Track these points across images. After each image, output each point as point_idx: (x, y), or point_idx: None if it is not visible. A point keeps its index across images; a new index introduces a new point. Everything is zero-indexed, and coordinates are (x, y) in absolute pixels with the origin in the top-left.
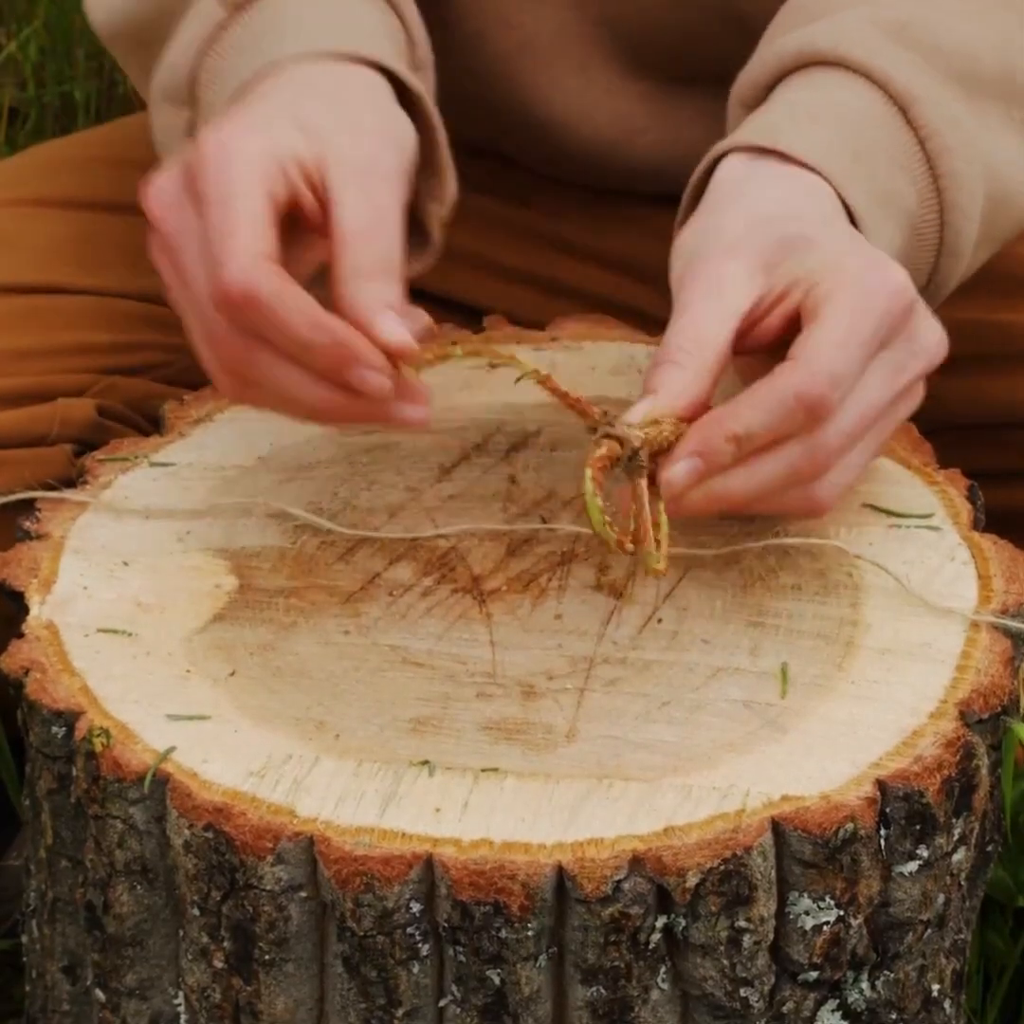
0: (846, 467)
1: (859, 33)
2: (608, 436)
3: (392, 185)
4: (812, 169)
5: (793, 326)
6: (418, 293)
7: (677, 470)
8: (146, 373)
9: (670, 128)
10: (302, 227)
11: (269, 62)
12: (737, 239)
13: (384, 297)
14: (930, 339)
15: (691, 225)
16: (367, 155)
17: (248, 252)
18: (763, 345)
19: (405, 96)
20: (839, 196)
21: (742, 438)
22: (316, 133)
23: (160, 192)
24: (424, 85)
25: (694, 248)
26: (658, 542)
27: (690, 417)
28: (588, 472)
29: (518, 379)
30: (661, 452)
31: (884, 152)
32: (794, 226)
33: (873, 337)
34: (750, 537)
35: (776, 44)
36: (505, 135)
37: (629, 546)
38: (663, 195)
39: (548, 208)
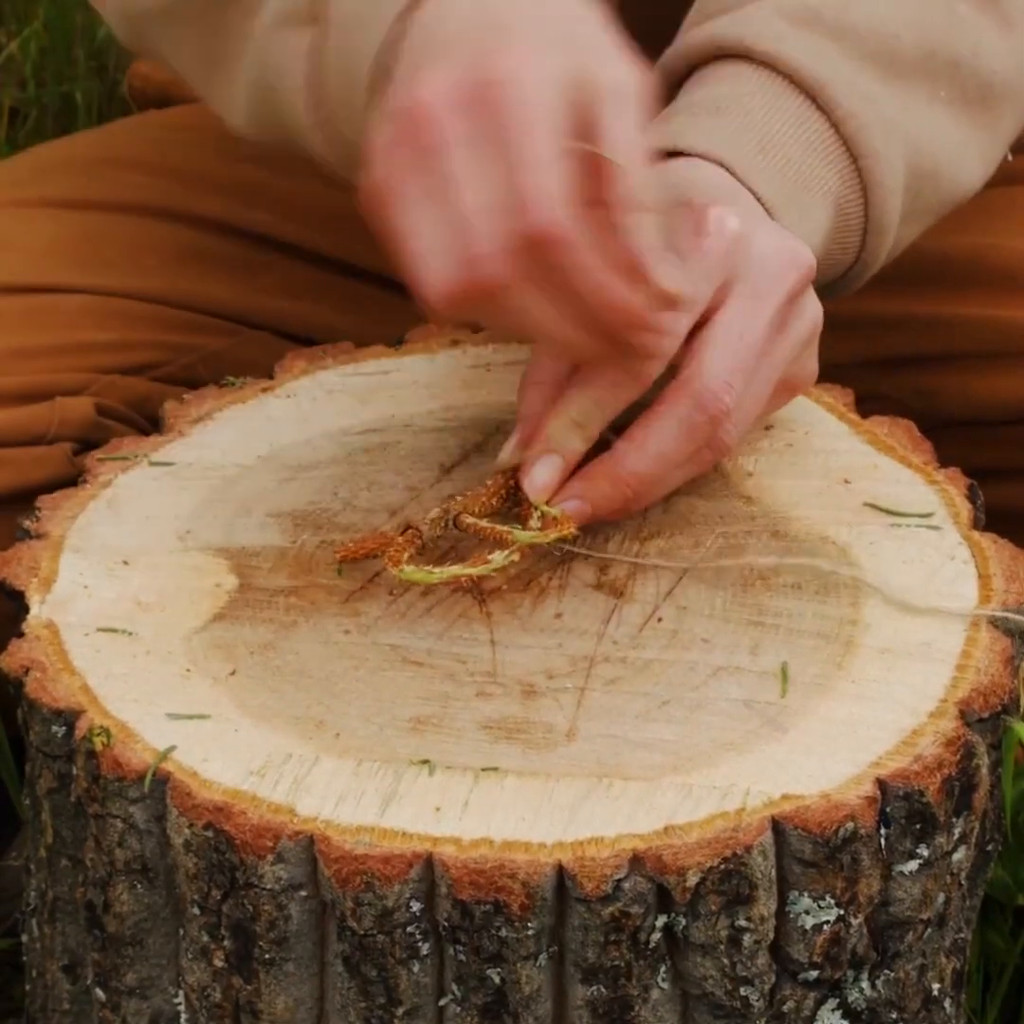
0: (745, 405)
1: (764, 24)
2: (406, 530)
3: (635, 100)
4: (714, 163)
5: None
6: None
7: (535, 473)
8: (145, 372)
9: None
10: None
11: None
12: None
13: (649, 232)
14: (767, 251)
15: None
16: (630, 78)
17: (557, 195)
18: None
19: None
20: (746, 187)
21: (656, 463)
22: (586, 51)
23: (434, 96)
24: None
25: None
26: (541, 517)
27: None
28: (390, 569)
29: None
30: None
31: (797, 140)
32: (716, 243)
33: (770, 326)
34: (751, 535)
35: (686, 37)
36: None
37: (492, 555)
38: None
39: None
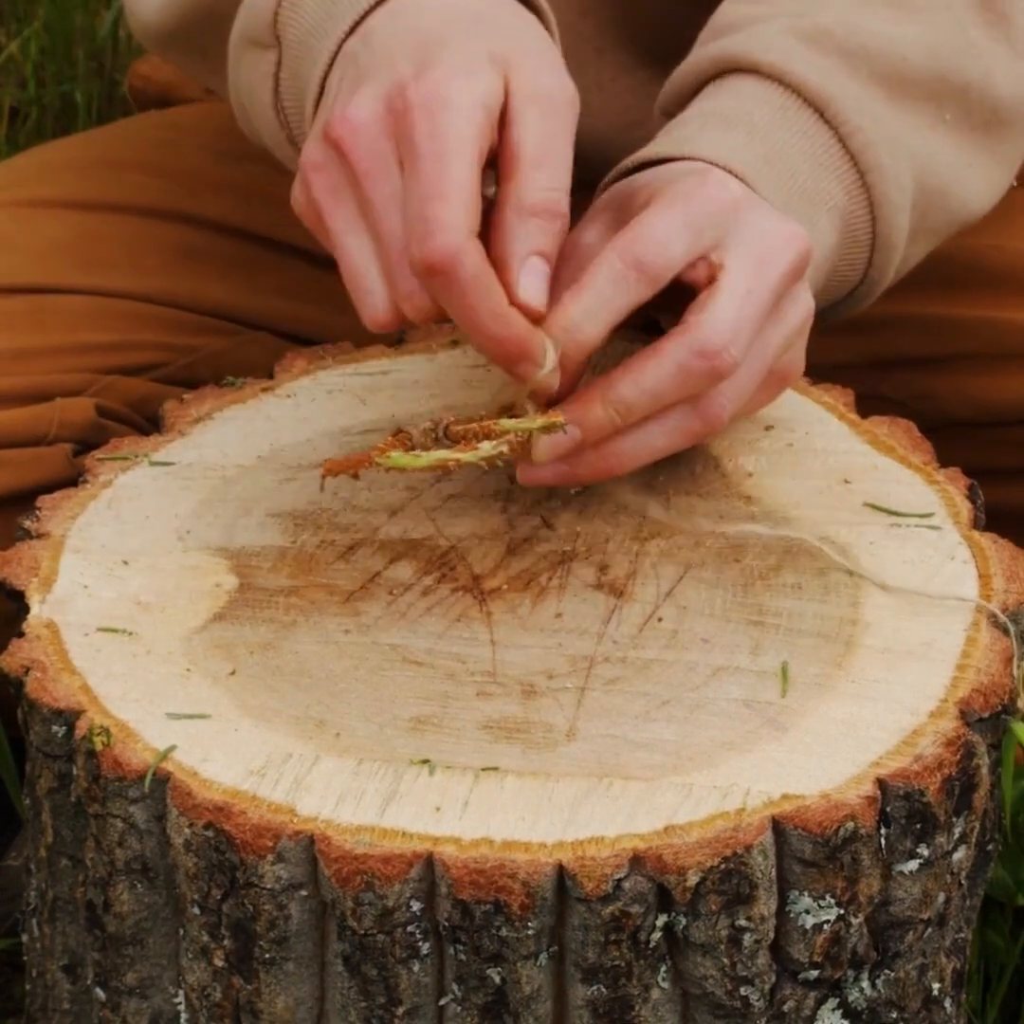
0: (739, 380)
1: (774, 40)
2: (397, 433)
3: (569, 114)
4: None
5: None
6: None
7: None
8: (145, 373)
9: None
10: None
11: None
12: (676, 194)
13: (538, 240)
14: (767, 226)
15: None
16: (551, 80)
17: (458, 226)
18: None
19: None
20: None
21: (644, 398)
22: (505, 60)
23: (357, 122)
24: None
25: (626, 185)
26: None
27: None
28: (376, 459)
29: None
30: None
31: (803, 153)
32: (718, 192)
33: (772, 298)
34: (751, 536)
35: (697, 53)
36: None
37: (481, 446)
38: None
39: None
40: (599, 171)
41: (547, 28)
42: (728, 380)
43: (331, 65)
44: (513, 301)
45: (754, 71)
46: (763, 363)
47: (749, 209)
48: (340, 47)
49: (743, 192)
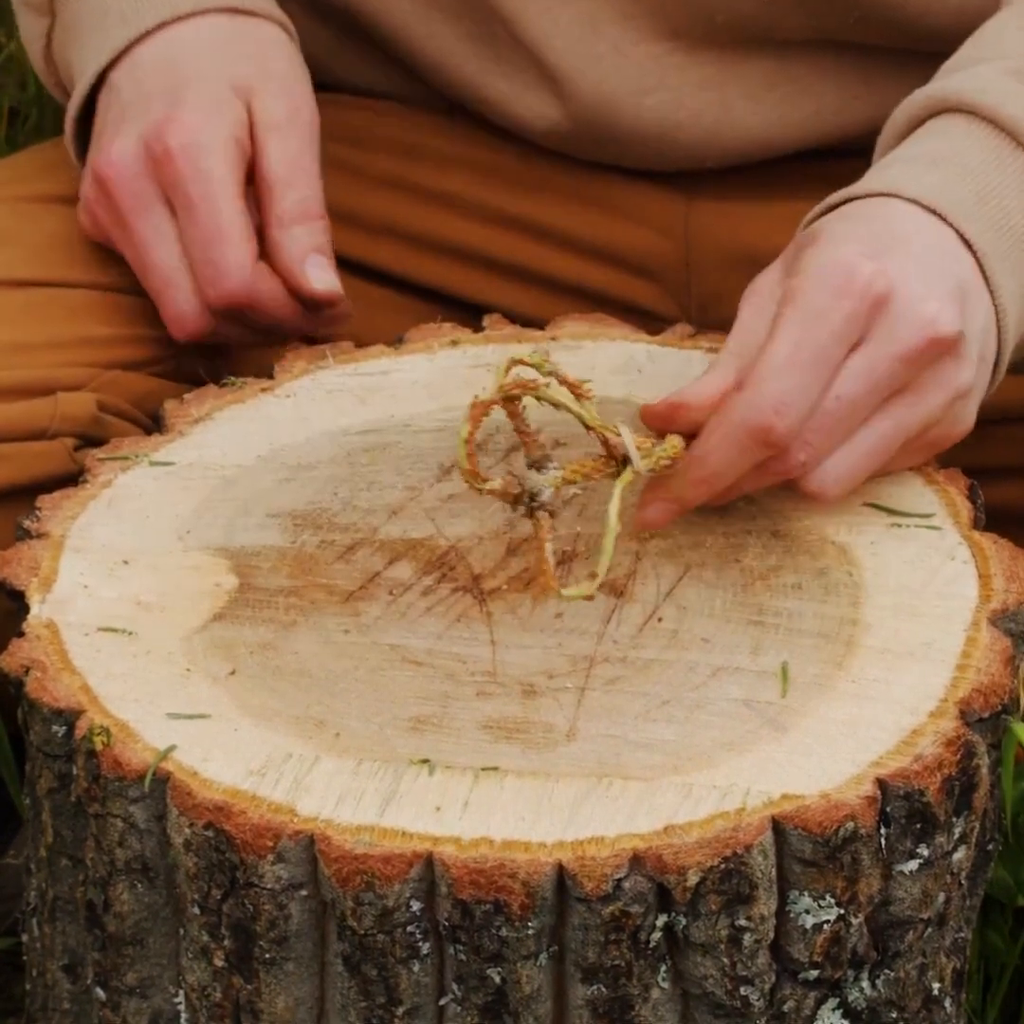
0: (844, 455)
1: (990, 81)
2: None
3: (307, 132)
4: (929, 209)
5: None
6: (419, 287)
7: (651, 511)
8: (146, 367)
9: (674, 92)
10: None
11: (163, 17)
12: (814, 303)
13: (308, 242)
14: (912, 319)
15: None
16: (287, 106)
17: (243, 263)
18: None
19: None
20: (960, 235)
21: (711, 479)
22: (247, 90)
23: (121, 164)
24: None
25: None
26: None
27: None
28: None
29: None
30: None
31: (1015, 193)
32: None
33: (830, 345)
34: (751, 535)
35: (913, 94)
36: (503, 77)
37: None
38: (661, 172)
39: (548, 199)
40: (602, 139)
41: (290, 35)
42: (841, 453)
43: (99, 84)
44: (311, 295)
45: (968, 111)
46: (884, 438)
47: (896, 298)
48: (105, 74)
49: (887, 285)
